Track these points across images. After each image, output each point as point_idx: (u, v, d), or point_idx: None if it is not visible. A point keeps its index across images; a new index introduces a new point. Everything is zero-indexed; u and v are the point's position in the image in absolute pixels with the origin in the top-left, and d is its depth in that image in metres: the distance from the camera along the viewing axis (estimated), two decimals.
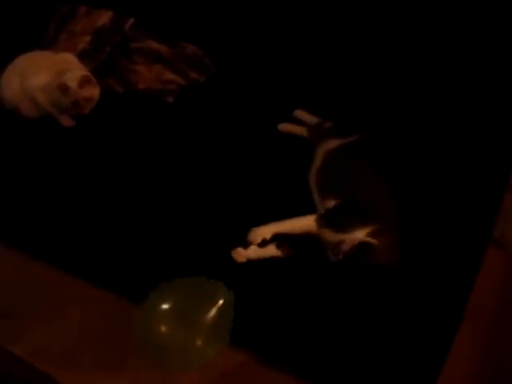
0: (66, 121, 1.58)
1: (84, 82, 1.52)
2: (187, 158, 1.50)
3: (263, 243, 1.24)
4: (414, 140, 1.49)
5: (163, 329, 1.03)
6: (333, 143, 1.40)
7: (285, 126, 1.57)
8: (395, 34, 1.82)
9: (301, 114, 1.59)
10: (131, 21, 1.83)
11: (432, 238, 1.28)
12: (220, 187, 1.41)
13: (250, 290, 1.18)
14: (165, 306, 1.04)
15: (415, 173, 1.41)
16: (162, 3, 1.97)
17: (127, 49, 1.79)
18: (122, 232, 1.32)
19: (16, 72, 1.60)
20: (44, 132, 1.56)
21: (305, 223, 1.25)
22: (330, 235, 1.21)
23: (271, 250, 1.25)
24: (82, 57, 1.71)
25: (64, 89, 1.50)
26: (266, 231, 1.24)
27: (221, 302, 1.05)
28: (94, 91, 1.55)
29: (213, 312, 1.04)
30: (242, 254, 1.24)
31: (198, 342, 1.03)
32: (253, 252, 1.24)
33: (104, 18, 1.82)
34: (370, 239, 1.18)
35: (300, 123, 1.56)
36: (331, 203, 1.27)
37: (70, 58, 1.66)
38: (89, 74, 1.55)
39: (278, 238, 1.25)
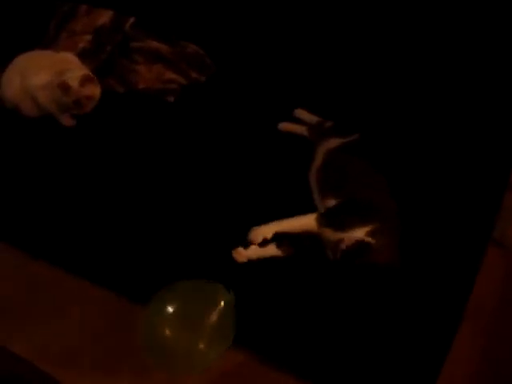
0: (67, 120, 1.58)
1: (85, 81, 1.52)
2: (188, 158, 1.50)
3: (264, 243, 1.24)
4: (414, 139, 1.49)
5: (167, 332, 1.03)
6: (333, 142, 1.40)
7: (285, 126, 1.57)
8: (395, 33, 1.81)
9: (301, 113, 1.59)
10: (132, 20, 1.83)
11: (432, 237, 1.28)
12: (220, 186, 1.41)
13: (251, 289, 1.18)
14: (168, 310, 1.04)
15: (415, 172, 1.41)
16: (163, 2, 1.96)
17: (128, 48, 1.78)
18: (123, 231, 1.32)
19: (16, 71, 1.59)
20: (44, 131, 1.56)
21: (305, 222, 1.25)
22: (330, 234, 1.21)
23: (271, 250, 1.25)
24: (83, 56, 1.70)
25: (65, 88, 1.50)
26: (267, 230, 1.24)
27: (222, 304, 1.05)
28: (95, 89, 1.55)
29: (215, 314, 1.04)
30: (242, 254, 1.24)
31: (202, 345, 1.03)
32: (253, 252, 1.24)
33: (104, 17, 1.82)
34: (367, 238, 1.18)
35: (300, 122, 1.56)
36: (331, 202, 1.27)
37: (70, 58, 1.65)
38: (89, 73, 1.55)
39: (278, 238, 1.25)
